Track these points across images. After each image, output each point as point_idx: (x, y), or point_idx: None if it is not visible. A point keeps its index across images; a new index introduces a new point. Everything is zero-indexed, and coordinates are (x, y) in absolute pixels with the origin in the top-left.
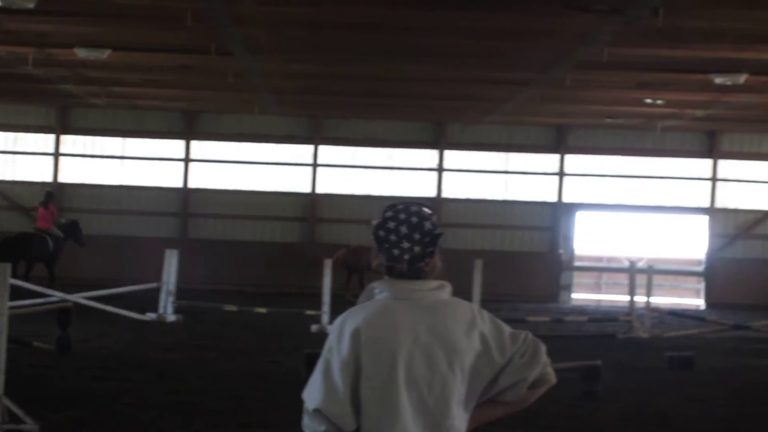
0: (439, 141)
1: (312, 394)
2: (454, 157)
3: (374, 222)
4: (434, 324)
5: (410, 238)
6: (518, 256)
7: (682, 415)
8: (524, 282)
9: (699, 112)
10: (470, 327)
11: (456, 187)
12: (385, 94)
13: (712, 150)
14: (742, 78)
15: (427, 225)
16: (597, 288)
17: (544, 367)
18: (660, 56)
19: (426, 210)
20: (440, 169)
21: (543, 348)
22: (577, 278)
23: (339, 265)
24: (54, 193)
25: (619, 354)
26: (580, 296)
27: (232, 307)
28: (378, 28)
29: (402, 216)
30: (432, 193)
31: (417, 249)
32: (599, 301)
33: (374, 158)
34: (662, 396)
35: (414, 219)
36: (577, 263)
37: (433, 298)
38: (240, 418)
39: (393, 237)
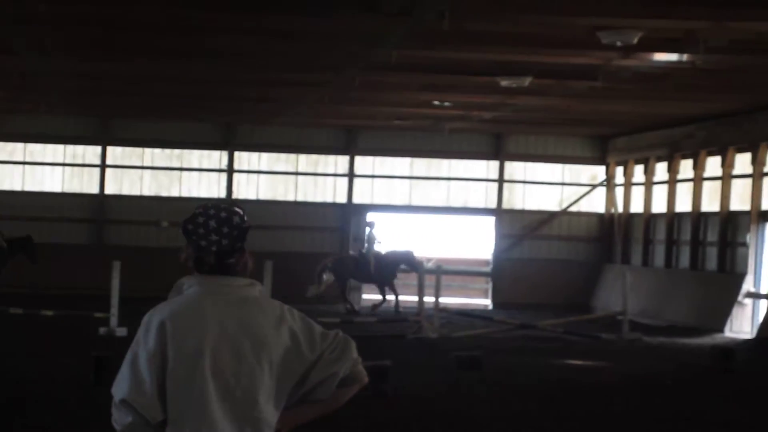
0: (229, 142)
1: (119, 386)
2: (244, 159)
3: (164, 223)
4: (242, 318)
5: (218, 232)
6: (309, 257)
7: (471, 414)
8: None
9: (486, 114)
10: (279, 322)
11: (247, 189)
12: (175, 94)
13: (498, 152)
14: (526, 81)
15: (236, 219)
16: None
17: (355, 365)
18: (447, 59)
19: (237, 208)
20: (230, 171)
21: (353, 345)
22: None
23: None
24: None
25: (408, 354)
26: (370, 297)
27: (18, 310)
28: (167, 29)
29: (212, 212)
30: (222, 194)
31: (225, 242)
32: (389, 301)
33: (164, 159)
34: (451, 395)
35: (223, 214)
36: None
37: (242, 293)
38: (21, 421)
39: (201, 230)
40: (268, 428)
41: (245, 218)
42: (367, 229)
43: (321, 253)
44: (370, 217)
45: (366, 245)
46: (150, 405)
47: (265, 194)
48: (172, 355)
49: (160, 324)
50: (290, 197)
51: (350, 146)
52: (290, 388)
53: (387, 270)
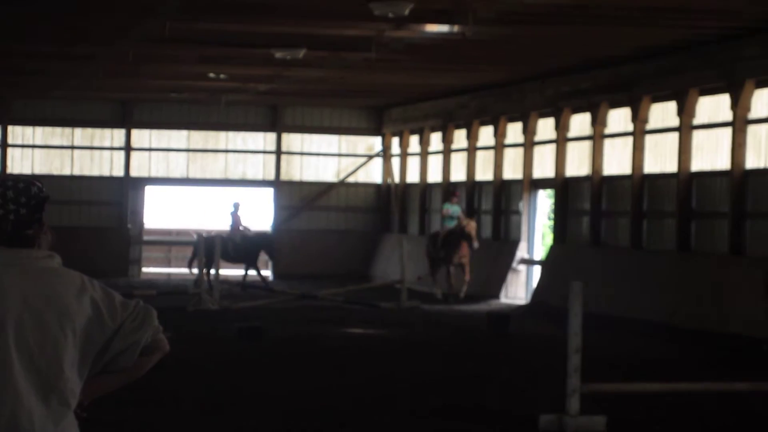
0: (2, 117)
1: None
2: (18, 133)
3: None
4: (44, 289)
5: (16, 201)
6: (87, 232)
7: (253, 383)
8: (93, 257)
9: (261, 87)
10: (80, 292)
11: (21, 163)
12: None
13: (275, 124)
14: (301, 53)
15: (34, 190)
16: (167, 262)
17: (156, 333)
18: (221, 30)
19: (35, 181)
20: (3, 145)
21: (154, 314)
22: (147, 252)
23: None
24: None
25: (189, 326)
26: (150, 270)
27: None
28: None
29: (9, 183)
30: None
31: (23, 211)
32: (169, 274)
33: None
34: (232, 366)
35: (21, 185)
36: (146, 237)
37: (42, 265)
38: None
39: None
40: (73, 398)
41: (43, 189)
42: (232, 210)
43: (100, 227)
44: (235, 198)
45: (232, 226)
46: None
47: (40, 169)
48: None
49: None
50: (66, 171)
51: (126, 119)
52: (93, 357)
53: (251, 251)
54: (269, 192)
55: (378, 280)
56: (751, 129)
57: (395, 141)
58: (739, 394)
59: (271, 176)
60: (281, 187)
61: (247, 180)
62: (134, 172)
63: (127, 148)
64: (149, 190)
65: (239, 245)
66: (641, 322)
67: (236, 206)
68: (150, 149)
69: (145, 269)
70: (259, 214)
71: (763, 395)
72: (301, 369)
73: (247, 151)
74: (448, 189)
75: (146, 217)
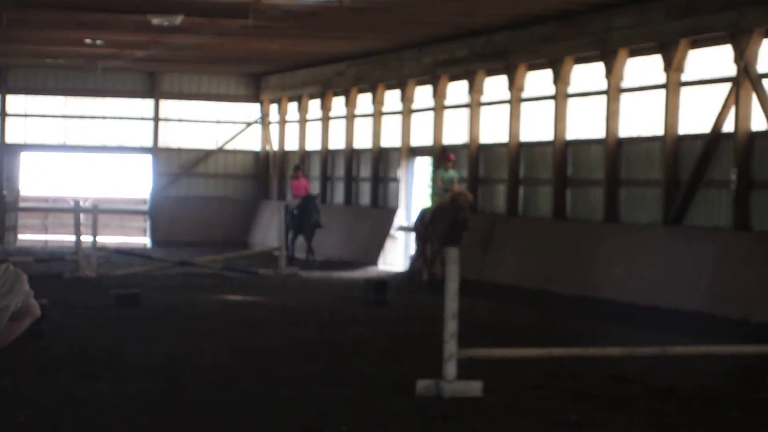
0: None
1: None
2: None
3: None
4: None
5: None
6: None
7: (129, 350)
8: None
9: (138, 53)
10: None
11: None
12: None
13: (153, 90)
14: (178, 19)
15: None
16: (43, 229)
17: (27, 298)
18: None
19: None
20: None
21: (25, 278)
22: (23, 219)
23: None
24: None
25: (66, 293)
26: (26, 237)
27: None
28: None
29: None
30: None
31: None
32: (46, 241)
33: None
34: (110, 333)
35: None
36: (22, 204)
37: None
38: None
39: None
40: None
41: None
42: None
43: None
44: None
45: None
46: None
47: None
48: None
49: None
50: None
51: (1, 85)
52: None
53: None
54: (147, 159)
55: (256, 247)
56: (625, 97)
57: (273, 108)
58: (612, 358)
59: (149, 143)
60: (159, 154)
61: (125, 147)
62: (9, 139)
63: (2, 114)
64: (25, 157)
65: None
66: (517, 289)
67: None
68: (26, 115)
69: (21, 236)
70: (137, 181)
71: (635, 360)
72: (178, 336)
73: (125, 117)
74: (442, 152)
75: (22, 184)
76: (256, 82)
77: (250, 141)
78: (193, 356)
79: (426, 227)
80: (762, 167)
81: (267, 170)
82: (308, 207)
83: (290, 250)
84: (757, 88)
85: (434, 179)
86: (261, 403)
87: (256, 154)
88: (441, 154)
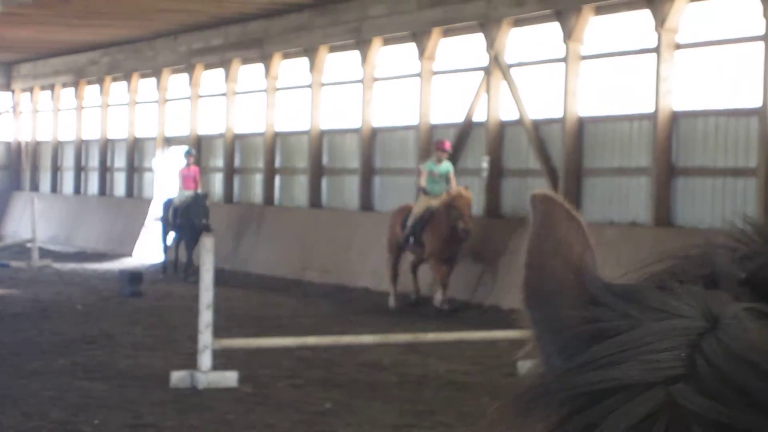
0: None
1: None
2: None
3: None
4: None
5: None
6: None
7: None
8: None
9: None
10: None
11: None
12: None
13: None
14: None
15: None
16: None
17: None
18: None
19: None
20: None
21: None
22: None
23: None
24: None
25: None
26: None
27: None
28: None
29: None
30: None
31: None
32: None
33: None
34: None
35: None
36: None
37: None
38: None
39: None
40: None
41: None
42: None
43: None
44: None
45: None
46: None
47: None
48: None
49: None
50: None
51: None
52: None
53: None
54: None
55: (8, 239)
56: (380, 86)
57: (25, 97)
58: (366, 346)
59: None
60: None
61: None
62: None
63: None
64: None
65: None
66: (274, 279)
67: None
68: None
69: None
70: None
71: (388, 346)
72: None
73: None
74: (432, 141)
75: None
76: (7, 71)
77: (1, 131)
78: None
79: (406, 236)
80: (512, 155)
81: (19, 161)
82: (196, 209)
83: (172, 255)
84: (507, 77)
85: (422, 171)
86: (11, 398)
87: (7, 144)
88: (434, 144)
